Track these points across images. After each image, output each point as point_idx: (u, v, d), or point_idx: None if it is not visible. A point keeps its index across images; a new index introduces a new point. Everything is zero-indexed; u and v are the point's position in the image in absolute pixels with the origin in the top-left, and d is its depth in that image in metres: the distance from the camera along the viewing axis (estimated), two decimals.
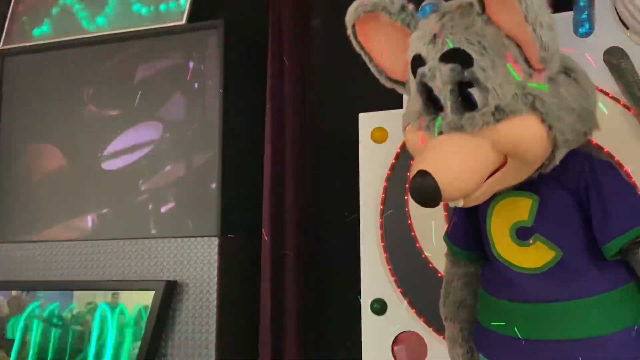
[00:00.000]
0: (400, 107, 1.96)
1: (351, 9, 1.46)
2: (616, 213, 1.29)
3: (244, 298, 2.59)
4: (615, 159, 1.68)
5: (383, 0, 1.41)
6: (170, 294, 2.47)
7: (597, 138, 1.55)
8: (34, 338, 2.63)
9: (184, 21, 2.72)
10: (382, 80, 1.54)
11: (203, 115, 2.66)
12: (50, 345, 2.60)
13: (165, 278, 2.51)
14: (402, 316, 1.98)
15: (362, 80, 1.73)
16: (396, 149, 2.04)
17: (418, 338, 1.96)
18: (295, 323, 2.54)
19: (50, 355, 2.58)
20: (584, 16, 1.80)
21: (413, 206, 1.96)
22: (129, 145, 2.71)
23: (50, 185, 2.81)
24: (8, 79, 2.98)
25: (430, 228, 1.94)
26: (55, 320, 2.61)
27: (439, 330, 1.87)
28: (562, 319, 1.31)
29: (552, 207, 1.36)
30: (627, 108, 1.72)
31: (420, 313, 1.95)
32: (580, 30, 1.78)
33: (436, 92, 1.31)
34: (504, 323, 1.40)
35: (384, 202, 2.04)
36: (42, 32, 2.97)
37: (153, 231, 2.61)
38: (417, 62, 1.35)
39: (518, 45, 1.27)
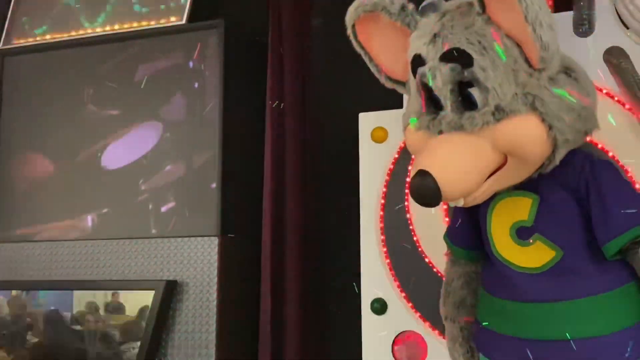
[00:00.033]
0: (401, 107, 1.96)
1: (351, 9, 1.46)
2: (616, 212, 1.29)
3: (244, 298, 2.59)
4: (615, 158, 1.68)
5: (383, 0, 1.42)
6: (170, 294, 2.47)
7: (597, 138, 1.55)
8: (34, 338, 2.63)
9: (184, 21, 2.72)
10: (382, 80, 1.55)
11: (203, 114, 2.66)
12: (51, 345, 2.60)
13: (165, 278, 2.51)
14: (402, 316, 1.98)
15: (362, 80, 1.74)
16: (396, 148, 2.04)
17: (418, 338, 1.96)
18: (295, 323, 2.54)
19: (50, 355, 2.58)
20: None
21: (413, 206, 1.96)
22: (129, 144, 2.71)
23: (50, 185, 2.81)
24: (8, 79, 2.98)
25: (430, 227, 1.94)
26: (55, 320, 2.61)
27: (439, 329, 1.87)
28: (562, 319, 1.31)
29: (553, 206, 1.36)
30: (630, 109, 1.72)
31: (420, 313, 1.95)
32: None
33: (436, 91, 1.31)
34: (504, 323, 1.40)
35: (384, 201, 2.04)
36: (43, 32, 2.96)
37: (153, 231, 2.61)
38: (417, 61, 1.35)
39: (518, 45, 1.27)
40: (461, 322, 1.58)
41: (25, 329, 2.66)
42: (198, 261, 2.50)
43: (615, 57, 1.71)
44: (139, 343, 2.44)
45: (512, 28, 1.25)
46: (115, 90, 2.78)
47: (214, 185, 2.54)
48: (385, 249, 2.02)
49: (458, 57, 1.27)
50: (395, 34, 1.44)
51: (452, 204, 1.36)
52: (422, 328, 1.95)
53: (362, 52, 1.53)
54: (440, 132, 1.31)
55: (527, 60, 1.27)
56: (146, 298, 2.46)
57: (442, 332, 1.71)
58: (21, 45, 2.98)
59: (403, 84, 1.51)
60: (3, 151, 2.92)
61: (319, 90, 2.73)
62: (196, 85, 2.68)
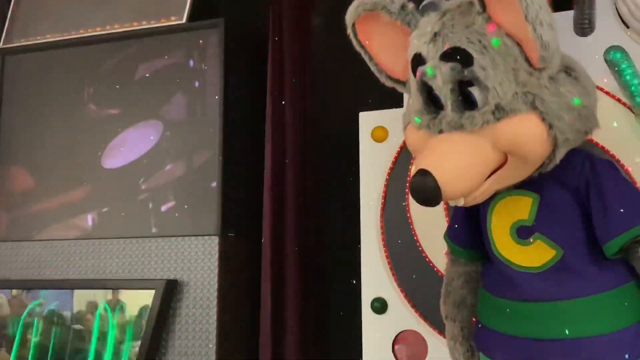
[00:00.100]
0: (401, 106, 1.96)
1: (351, 8, 1.46)
2: (617, 212, 1.29)
3: (244, 297, 2.59)
4: (616, 158, 1.68)
5: None
6: (170, 293, 2.47)
7: (597, 137, 1.55)
8: (34, 337, 2.63)
9: (184, 20, 2.72)
10: (383, 79, 1.55)
11: (203, 114, 2.65)
12: (51, 344, 2.60)
13: (165, 277, 2.51)
14: (402, 315, 1.98)
15: (362, 79, 1.74)
16: (396, 148, 2.04)
17: (418, 337, 1.96)
18: (295, 322, 2.53)
19: (50, 355, 2.58)
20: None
21: (413, 205, 1.96)
22: (129, 144, 2.71)
23: (50, 184, 2.81)
24: (9, 78, 2.98)
25: (430, 227, 1.94)
26: (55, 319, 2.61)
27: (440, 329, 1.87)
28: (562, 318, 1.31)
29: (553, 206, 1.36)
30: (630, 108, 1.72)
31: (420, 312, 1.95)
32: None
33: (436, 91, 1.31)
34: (504, 322, 1.40)
35: (385, 201, 2.04)
36: (43, 31, 2.96)
37: (153, 230, 2.60)
38: (418, 60, 1.35)
39: (518, 44, 1.27)
40: (462, 321, 1.58)
41: (26, 329, 2.66)
42: (198, 260, 2.50)
43: (615, 57, 1.71)
44: (139, 342, 2.44)
45: (512, 27, 1.25)
46: (115, 90, 2.78)
47: (214, 184, 2.54)
48: (385, 248, 2.02)
49: (458, 56, 1.27)
50: (395, 33, 1.44)
51: (452, 204, 1.35)
52: (422, 327, 1.95)
53: (362, 51, 1.53)
54: (441, 132, 1.31)
55: (527, 60, 1.27)
56: (146, 297, 2.46)
57: (442, 332, 1.71)
58: (22, 44, 2.97)
59: (403, 83, 1.51)
60: (3, 149, 2.92)
61: (319, 89, 2.73)
62: (196, 84, 2.68)
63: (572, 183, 1.35)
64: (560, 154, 1.30)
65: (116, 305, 2.53)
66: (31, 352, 2.61)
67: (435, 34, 1.32)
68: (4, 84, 2.97)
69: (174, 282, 2.49)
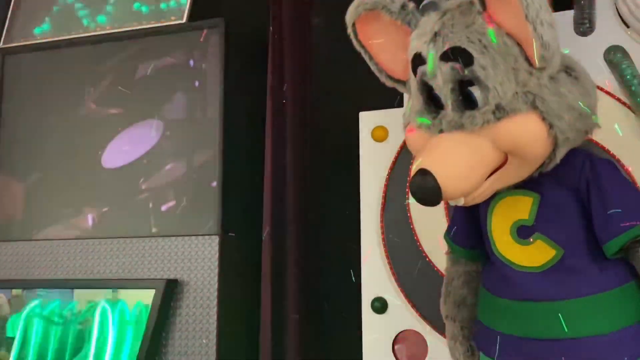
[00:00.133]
0: (401, 105, 1.96)
1: (352, 8, 1.46)
2: (617, 212, 1.29)
3: (245, 297, 2.58)
4: (616, 158, 1.68)
5: None
6: (170, 293, 2.47)
7: (597, 137, 1.55)
8: (35, 337, 2.62)
9: (184, 20, 2.72)
10: (383, 79, 1.55)
11: (204, 113, 2.65)
12: (51, 343, 2.60)
13: (165, 276, 2.51)
14: (402, 315, 1.98)
15: (362, 78, 1.74)
16: (397, 147, 2.04)
17: (419, 337, 1.96)
18: (295, 322, 2.53)
19: (50, 354, 2.58)
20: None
21: (414, 205, 1.96)
22: (129, 143, 2.71)
23: (50, 183, 2.81)
24: (9, 77, 2.98)
25: (431, 226, 1.93)
26: (55, 319, 2.61)
27: (440, 329, 1.87)
28: (562, 318, 1.31)
29: (553, 205, 1.36)
30: (630, 108, 1.72)
31: (420, 312, 1.95)
32: None
33: (437, 90, 1.31)
34: (504, 322, 1.40)
35: (385, 200, 2.04)
36: (43, 31, 2.96)
37: (153, 230, 2.60)
38: (418, 60, 1.35)
39: (519, 44, 1.27)
40: (462, 321, 1.58)
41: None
42: (198, 260, 2.50)
43: (616, 56, 1.71)
44: (139, 342, 2.43)
45: (512, 27, 1.25)
46: (115, 89, 2.78)
47: (214, 183, 2.54)
48: (385, 248, 2.02)
49: (458, 56, 1.27)
50: (395, 32, 1.44)
51: (453, 203, 1.35)
52: (422, 327, 1.95)
53: (362, 51, 1.53)
54: (441, 131, 1.31)
55: (527, 59, 1.27)
56: (147, 297, 2.45)
57: (442, 331, 1.71)
58: (22, 43, 2.97)
59: (403, 82, 1.51)
60: (3, 149, 2.92)
61: (319, 89, 2.72)
62: (197, 84, 2.67)
63: (573, 183, 1.35)
64: (560, 154, 1.30)
65: (116, 305, 2.53)
66: (31, 352, 2.61)
67: (436, 34, 1.32)
68: (4, 84, 2.97)
69: (174, 282, 2.49)
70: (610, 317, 1.31)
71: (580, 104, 1.27)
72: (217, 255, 2.48)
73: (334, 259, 2.61)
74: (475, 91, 1.27)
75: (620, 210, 1.30)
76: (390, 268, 2.00)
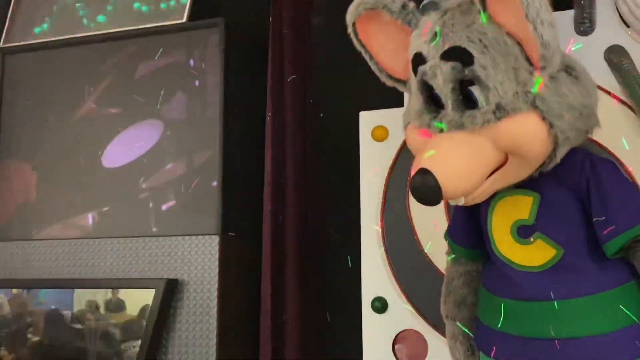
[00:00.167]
0: (401, 105, 1.96)
1: (352, 7, 1.46)
2: (617, 211, 1.29)
3: (245, 296, 2.58)
4: (616, 157, 1.68)
5: None
6: (170, 292, 2.47)
7: (597, 136, 1.55)
8: (35, 336, 2.63)
9: (184, 19, 2.72)
10: (383, 79, 1.54)
11: (204, 113, 2.66)
12: (51, 344, 2.60)
13: (165, 276, 2.51)
14: (402, 314, 1.98)
15: (362, 78, 1.74)
16: (397, 147, 2.04)
17: (419, 336, 1.96)
18: (295, 322, 2.53)
19: (50, 354, 2.58)
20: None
21: (414, 204, 1.96)
22: (129, 143, 2.71)
23: (50, 183, 2.81)
24: (9, 77, 2.98)
25: (431, 226, 1.93)
26: (55, 319, 2.61)
27: (440, 328, 1.87)
28: (563, 317, 1.31)
29: (553, 205, 1.36)
30: (629, 107, 1.72)
31: (421, 311, 1.95)
32: None
33: (437, 90, 1.31)
34: (504, 321, 1.40)
35: (385, 200, 2.04)
36: (43, 30, 2.96)
37: (154, 229, 2.60)
38: (418, 60, 1.35)
39: (519, 43, 1.27)
40: (462, 320, 1.58)
41: (26, 328, 2.66)
42: (199, 260, 2.50)
43: (616, 56, 1.71)
44: (139, 342, 2.43)
45: (512, 26, 1.25)
46: (115, 89, 2.78)
47: (214, 183, 2.54)
48: (385, 248, 2.02)
49: (459, 56, 1.27)
50: (396, 32, 1.44)
51: (453, 203, 1.35)
52: (422, 326, 1.95)
53: (362, 51, 1.53)
54: (441, 131, 1.31)
55: (527, 59, 1.27)
56: (147, 296, 2.45)
57: (442, 331, 1.71)
58: (22, 43, 2.97)
59: (404, 82, 1.51)
60: (3, 148, 2.92)
61: (319, 88, 2.72)
62: (197, 83, 2.68)
63: (573, 182, 1.34)
64: (560, 153, 1.30)
65: (116, 305, 2.53)
66: (31, 351, 2.61)
67: (436, 33, 1.32)
68: (4, 84, 2.97)
69: (174, 282, 2.49)
70: (611, 316, 1.31)
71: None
72: (217, 255, 2.48)
73: (333, 259, 2.61)
74: (476, 91, 1.27)
75: (620, 209, 1.30)
76: (391, 268, 2.00)
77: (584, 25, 1.79)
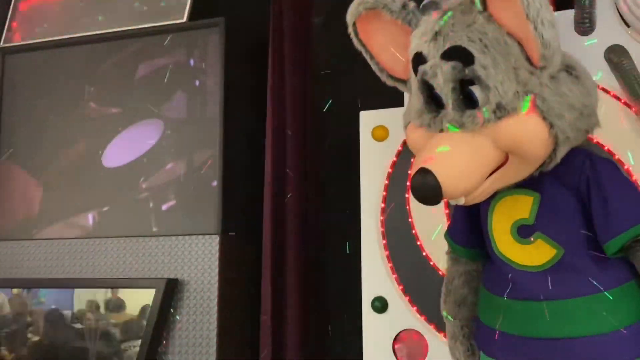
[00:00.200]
0: (401, 105, 1.96)
1: (352, 7, 1.46)
2: (617, 211, 1.29)
3: (245, 296, 2.59)
4: (616, 157, 1.68)
5: None
6: (171, 292, 2.47)
7: (597, 136, 1.55)
8: (35, 336, 2.63)
9: (185, 19, 2.72)
10: (383, 78, 1.55)
11: (204, 113, 2.66)
12: (51, 343, 2.61)
13: (166, 276, 2.51)
14: (402, 314, 1.97)
15: (362, 78, 1.74)
16: (397, 147, 2.04)
17: (419, 336, 1.96)
18: (295, 322, 2.54)
19: (50, 354, 2.58)
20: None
21: (414, 204, 1.96)
22: (130, 142, 2.71)
23: (51, 183, 2.81)
24: (9, 77, 2.98)
25: (431, 226, 1.93)
26: (56, 318, 2.61)
27: (440, 328, 1.87)
28: (563, 317, 1.31)
29: (554, 205, 1.36)
30: (629, 106, 1.72)
31: (421, 311, 1.95)
32: None
33: (437, 90, 1.31)
34: (505, 321, 1.40)
35: (385, 200, 2.04)
36: (43, 30, 2.96)
37: (154, 229, 2.60)
38: (419, 59, 1.35)
39: (519, 43, 1.27)
40: (462, 320, 1.58)
41: (26, 327, 2.67)
42: (199, 259, 2.50)
43: (616, 56, 1.71)
44: (139, 341, 2.43)
45: (513, 26, 1.25)
46: (116, 89, 2.78)
47: (215, 183, 2.54)
48: (385, 248, 2.01)
49: (459, 55, 1.27)
50: (396, 31, 1.44)
51: (453, 202, 1.35)
52: (422, 326, 1.95)
53: (363, 50, 1.53)
54: (441, 131, 1.31)
55: (528, 59, 1.27)
56: (147, 296, 2.45)
57: (443, 330, 1.71)
58: (22, 43, 2.98)
59: (404, 82, 1.51)
60: (3, 148, 2.92)
61: (319, 88, 2.73)
62: (197, 83, 2.68)
63: (573, 182, 1.34)
64: (561, 153, 1.30)
65: (116, 305, 2.53)
66: (31, 351, 2.61)
67: (436, 33, 1.32)
68: (4, 84, 2.98)
69: (174, 281, 2.49)
70: (612, 316, 1.31)
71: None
72: (217, 255, 2.48)
73: (334, 259, 2.61)
74: (476, 90, 1.27)
75: (620, 209, 1.30)
76: (391, 268, 2.00)
77: (584, 25, 1.79)
